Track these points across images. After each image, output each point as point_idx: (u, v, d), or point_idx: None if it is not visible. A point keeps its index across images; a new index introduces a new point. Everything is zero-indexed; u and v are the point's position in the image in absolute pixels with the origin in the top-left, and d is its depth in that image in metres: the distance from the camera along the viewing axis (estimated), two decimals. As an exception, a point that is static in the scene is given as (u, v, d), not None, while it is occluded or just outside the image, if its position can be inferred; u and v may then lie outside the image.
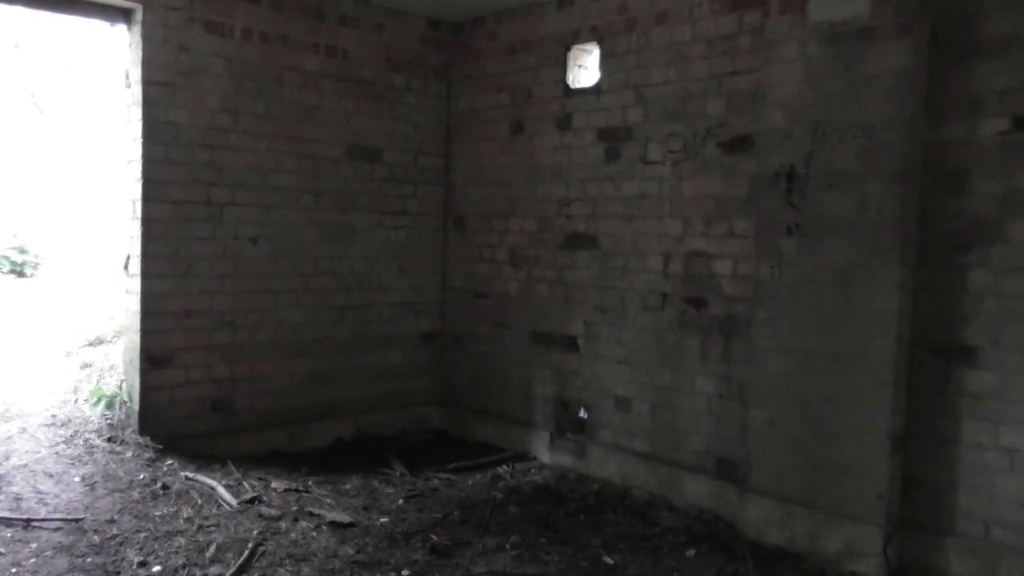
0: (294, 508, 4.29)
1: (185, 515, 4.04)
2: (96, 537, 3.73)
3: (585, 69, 5.46)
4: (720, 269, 4.57)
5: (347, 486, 4.79)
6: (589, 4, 5.25)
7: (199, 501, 4.21)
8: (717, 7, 4.57)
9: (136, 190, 4.86)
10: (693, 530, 4.31)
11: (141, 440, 4.80)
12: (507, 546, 4.01)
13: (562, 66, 5.44)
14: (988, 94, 3.61)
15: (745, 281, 4.41)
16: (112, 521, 3.90)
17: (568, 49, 5.41)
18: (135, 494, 4.22)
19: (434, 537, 4.03)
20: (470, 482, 5.05)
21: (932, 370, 3.79)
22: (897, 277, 3.70)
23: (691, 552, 4.01)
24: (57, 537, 3.71)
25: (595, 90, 5.23)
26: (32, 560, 3.49)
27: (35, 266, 9.56)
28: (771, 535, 4.11)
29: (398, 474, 5.10)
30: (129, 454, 4.67)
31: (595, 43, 5.24)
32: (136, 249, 4.87)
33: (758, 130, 4.26)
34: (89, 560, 3.53)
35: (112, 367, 5.53)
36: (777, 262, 4.10)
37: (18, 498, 4.05)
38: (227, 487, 4.42)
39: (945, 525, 3.75)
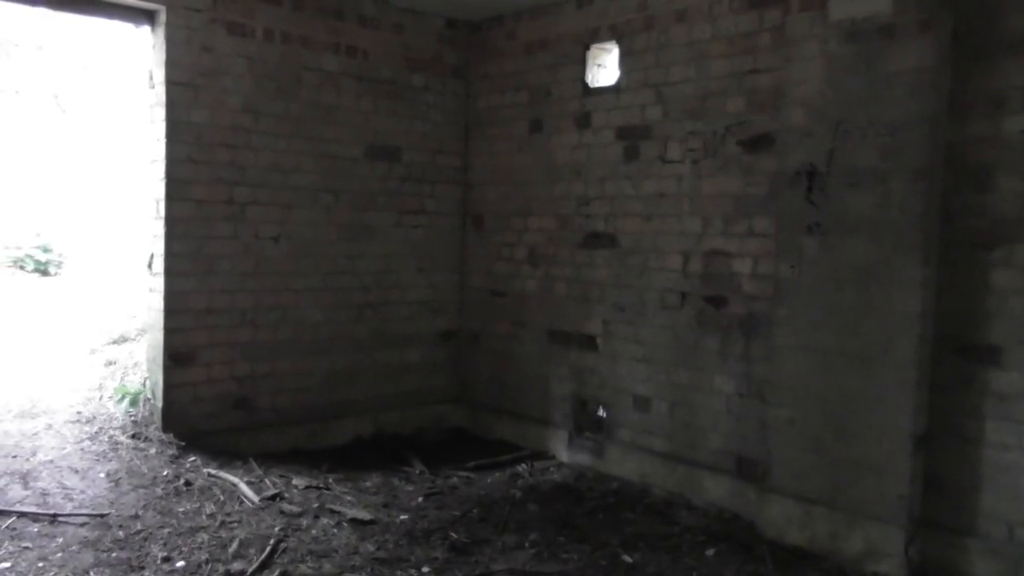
0: (315, 505, 4.33)
1: (208, 511, 4.08)
2: (121, 532, 3.78)
3: (604, 68, 5.46)
4: (740, 268, 4.56)
5: (367, 483, 4.83)
6: (608, 2, 5.24)
7: (221, 497, 4.26)
8: (737, 5, 4.55)
9: (159, 189, 4.92)
10: (712, 529, 4.30)
11: (164, 437, 4.86)
12: (526, 544, 4.02)
13: (581, 65, 5.44)
14: (1011, 91, 3.58)
15: (765, 280, 4.39)
16: (136, 517, 3.95)
17: (587, 48, 5.41)
18: (159, 490, 4.27)
19: (454, 535, 4.05)
20: (489, 480, 5.07)
21: (955, 369, 3.75)
22: (920, 275, 3.67)
23: (710, 551, 4.00)
24: (83, 532, 3.76)
25: (614, 89, 5.23)
26: (59, 555, 3.54)
27: (59, 265, 9.67)
28: (791, 535, 4.09)
29: (417, 472, 5.13)
30: (153, 451, 4.73)
31: (614, 41, 5.23)
32: (159, 248, 4.93)
33: (778, 128, 4.24)
34: (114, 555, 3.58)
35: (136, 364, 5.60)
36: (797, 261, 4.08)
37: (45, 493, 4.11)
38: (249, 484, 4.47)
39: (968, 526, 3.71)
